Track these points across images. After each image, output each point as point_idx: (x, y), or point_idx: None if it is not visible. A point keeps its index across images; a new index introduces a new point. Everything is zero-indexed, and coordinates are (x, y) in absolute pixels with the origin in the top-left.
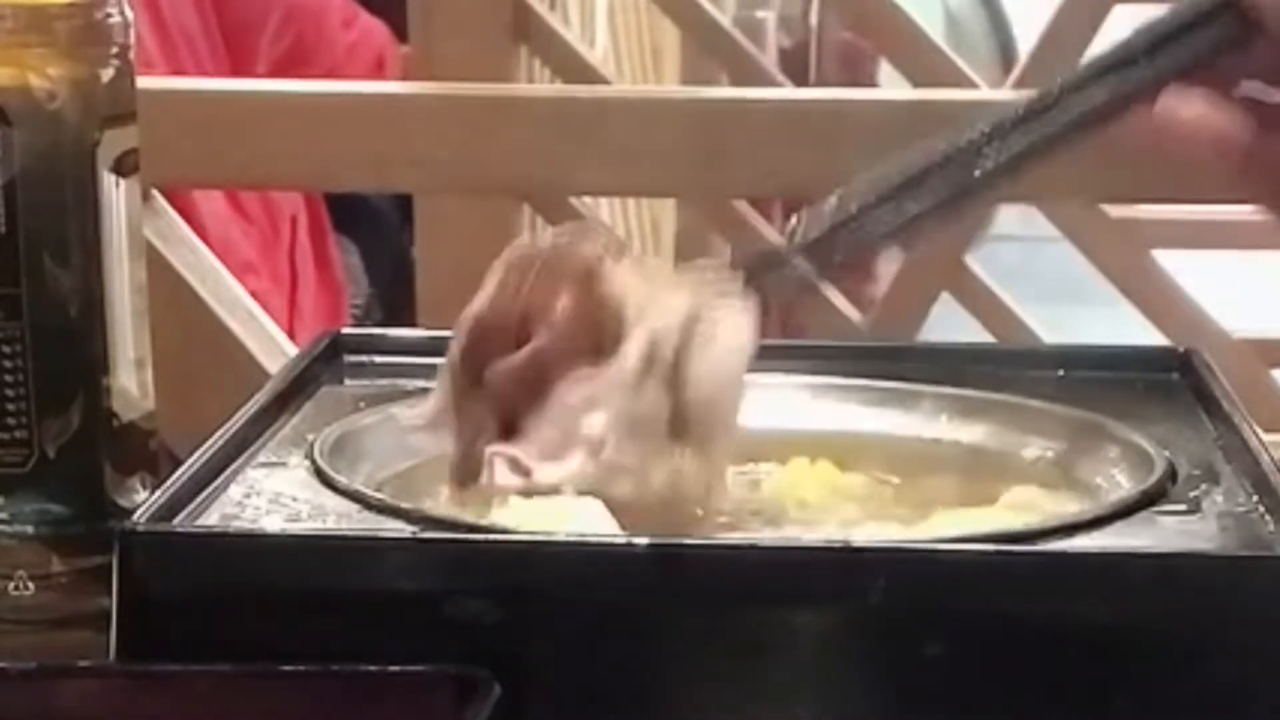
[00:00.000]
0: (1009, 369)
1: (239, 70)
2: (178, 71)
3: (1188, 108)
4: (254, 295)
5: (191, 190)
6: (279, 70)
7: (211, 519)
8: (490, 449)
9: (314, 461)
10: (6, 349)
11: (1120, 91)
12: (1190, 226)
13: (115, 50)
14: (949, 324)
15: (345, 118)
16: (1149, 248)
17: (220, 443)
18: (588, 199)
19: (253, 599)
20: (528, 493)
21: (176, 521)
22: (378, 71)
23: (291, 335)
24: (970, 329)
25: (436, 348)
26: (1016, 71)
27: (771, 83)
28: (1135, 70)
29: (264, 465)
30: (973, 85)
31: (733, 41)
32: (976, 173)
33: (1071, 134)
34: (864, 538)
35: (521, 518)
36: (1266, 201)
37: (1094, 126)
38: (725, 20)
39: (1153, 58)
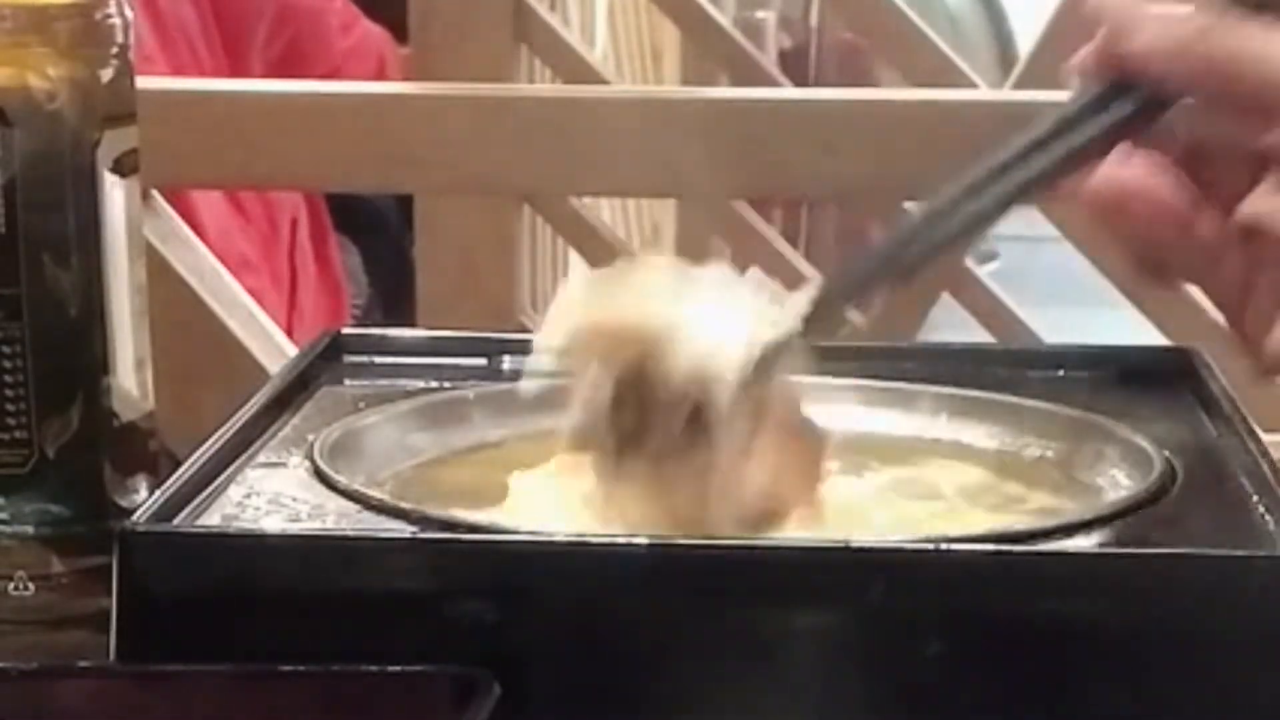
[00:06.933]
0: (1009, 369)
1: (236, 69)
2: (177, 68)
3: (1115, 171)
4: (251, 293)
5: (191, 190)
6: (275, 71)
7: (211, 519)
8: None
9: (314, 461)
10: (6, 349)
11: (1028, 176)
12: None
13: (115, 50)
14: (949, 324)
15: (345, 118)
16: None
17: (220, 443)
18: (588, 199)
19: (253, 599)
20: None
21: (176, 521)
22: (378, 76)
23: (291, 335)
24: (970, 329)
25: (436, 348)
26: (1016, 71)
27: (771, 83)
28: (1043, 155)
29: (264, 465)
30: (973, 85)
31: (733, 41)
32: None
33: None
34: (865, 538)
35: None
36: (1195, 277)
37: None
38: (725, 20)
39: (1056, 142)
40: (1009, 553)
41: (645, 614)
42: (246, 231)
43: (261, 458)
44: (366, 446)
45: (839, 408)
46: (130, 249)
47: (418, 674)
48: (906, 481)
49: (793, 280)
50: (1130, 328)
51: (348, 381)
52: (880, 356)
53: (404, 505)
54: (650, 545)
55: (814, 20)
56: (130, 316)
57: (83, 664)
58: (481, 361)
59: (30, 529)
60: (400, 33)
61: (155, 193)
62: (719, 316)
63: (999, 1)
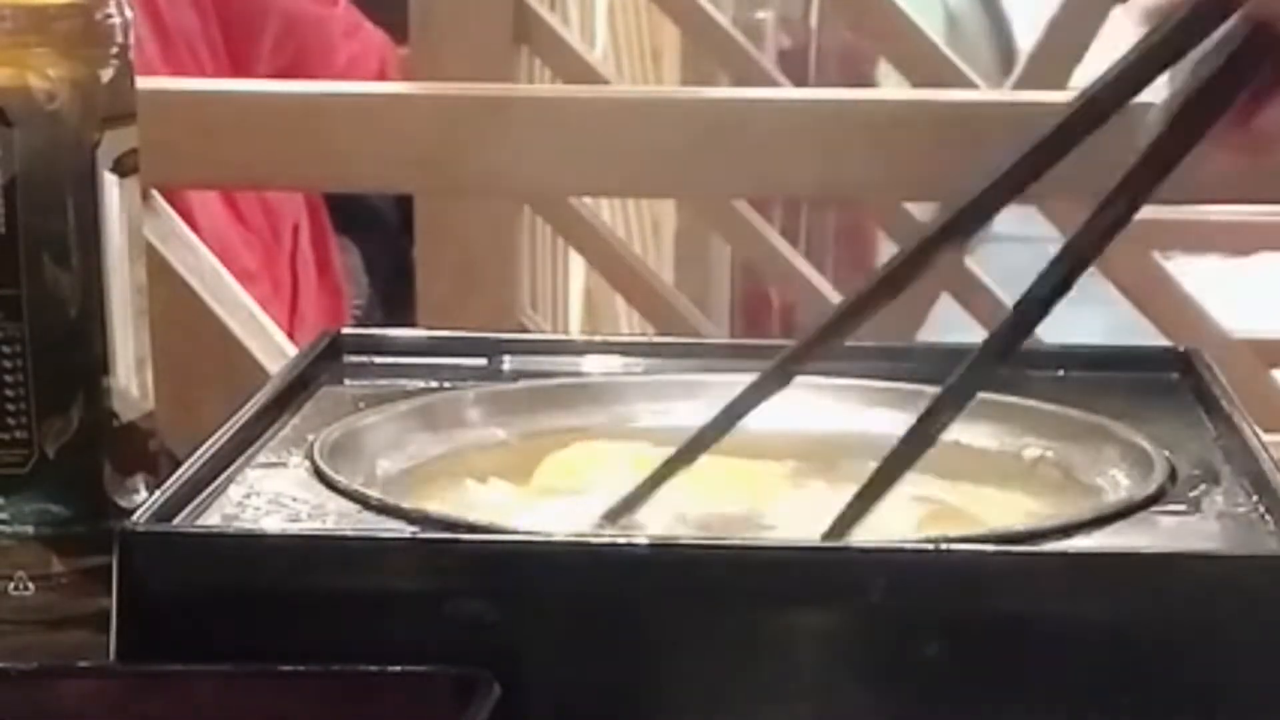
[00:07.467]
0: (1009, 369)
1: (239, 76)
2: (178, 75)
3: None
4: None
5: (190, 194)
6: (280, 78)
7: (211, 519)
8: None
9: (314, 461)
10: (6, 349)
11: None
12: (1191, 227)
13: (115, 50)
14: (949, 324)
15: (345, 118)
16: (1150, 248)
17: (220, 443)
18: (588, 199)
19: (253, 599)
20: None
21: (176, 521)
22: (378, 77)
23: (292, 340)
24: (970, 329)
25: (436, 348)
26: (1016, 71)
27: (771, 83)
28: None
29: (264, 465)
30: (973, 85)
31: (733, 41)
32: None
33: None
34: (863, 538)
35: None
36: None
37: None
38: (725, 20)
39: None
40: (1009, 553)
41: (645, 614)
42: (248, 241)
43: (261, 458)
44: (366, 446)
45: (839, 407)
46: (130, 249)
47: (418, 674)
48: (904, 481)
49: (793, 280)
50: (1129, 328)
51: (348, 381)
52: (880, 356)
53: (404, 505)
54: (650, 545)
55: (814, 20)
56: (130, 316)
57: (83, 664)
58: (481, 361)
59: (30, 529)
60: (400, 33)
61: (155, 193)
62: None
63: (999, 1)
